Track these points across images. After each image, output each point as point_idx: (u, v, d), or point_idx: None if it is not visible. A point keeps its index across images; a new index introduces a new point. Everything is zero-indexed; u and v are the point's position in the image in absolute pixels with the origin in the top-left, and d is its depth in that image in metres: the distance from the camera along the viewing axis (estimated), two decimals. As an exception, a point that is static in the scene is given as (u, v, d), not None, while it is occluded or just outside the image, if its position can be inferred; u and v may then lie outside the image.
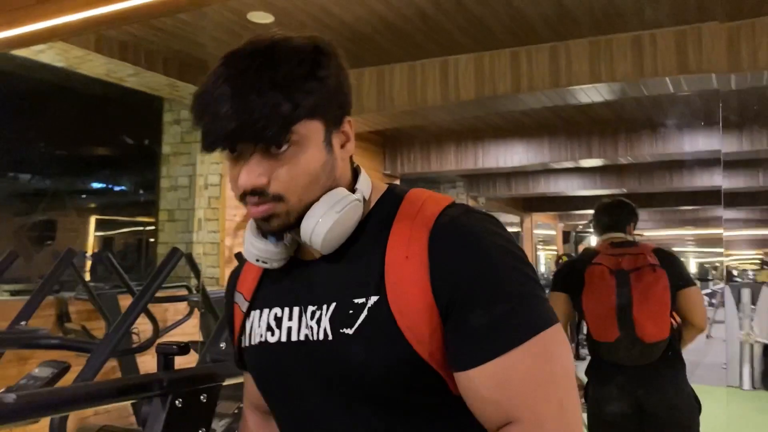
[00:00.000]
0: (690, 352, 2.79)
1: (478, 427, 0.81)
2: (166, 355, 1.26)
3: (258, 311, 0.96)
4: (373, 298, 0.82)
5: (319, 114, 0.84)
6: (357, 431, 0.85)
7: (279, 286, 0.95)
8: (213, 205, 5.11)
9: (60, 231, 7.69)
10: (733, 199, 9.30)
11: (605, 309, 2.57)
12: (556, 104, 4.83)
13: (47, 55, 4.02)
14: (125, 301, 3.99)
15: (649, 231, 11.97)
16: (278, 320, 0.92)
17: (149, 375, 1.22)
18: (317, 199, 0.85)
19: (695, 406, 2.68)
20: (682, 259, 2.77)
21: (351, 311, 0.83)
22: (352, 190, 0.89)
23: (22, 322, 2.17)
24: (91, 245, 7.85)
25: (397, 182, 7.46)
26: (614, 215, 2.83)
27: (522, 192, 9.17)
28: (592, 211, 2.97)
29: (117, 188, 7.45)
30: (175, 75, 4.55)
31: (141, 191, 7.36)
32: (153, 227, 6.03)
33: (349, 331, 0.82)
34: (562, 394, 0.77)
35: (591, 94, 4.51)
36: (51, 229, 7.74)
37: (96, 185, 7.39)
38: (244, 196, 0.85)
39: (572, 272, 2.71)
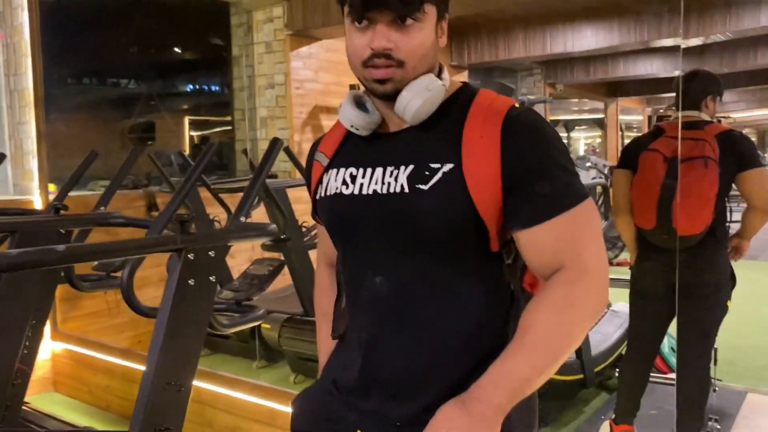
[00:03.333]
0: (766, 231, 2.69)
1: (498, 283, 1.08)
2: (182, 222, 1.69)
3: (335, 169, 1.16)
4: (449, 165, 1.02)
5: (436, 0, 1.04)
6: (408, 271, 1.07)
7: (358, 151, 1.14)
8: (280, 104, 5.49)
9: (158, 131, 8.43)
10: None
11: (648, 197, 2.60)
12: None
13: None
14: (206, 194, 4.40)
15: (741, 112, 11.25)
16: (353, 177, 1.12)
17: (168, 235, 1.65)
18: (422, 74, 1.04)
19: (727, 282, 2.66)
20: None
21: (427, 172, 1.03)
22: (439, 78, 1.09)
23: (101, 208, 2.64)
24: (187, 144, 8.57)
25: (465, 73, 7.53)
26: (685, 89, 2.62)
27: (601, 76, 8.94)
28: None
29: (205, 88, 7.98)
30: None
31: (225, 91, 7.84)
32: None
33: (424, 187, 1.02)
34: (598, 247, 1.02)
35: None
36: (150, 130, 8.48)
37: (185, 87, 7.96)
38: (369, 59, 1.02)
39: (634, 150, 2.71)
